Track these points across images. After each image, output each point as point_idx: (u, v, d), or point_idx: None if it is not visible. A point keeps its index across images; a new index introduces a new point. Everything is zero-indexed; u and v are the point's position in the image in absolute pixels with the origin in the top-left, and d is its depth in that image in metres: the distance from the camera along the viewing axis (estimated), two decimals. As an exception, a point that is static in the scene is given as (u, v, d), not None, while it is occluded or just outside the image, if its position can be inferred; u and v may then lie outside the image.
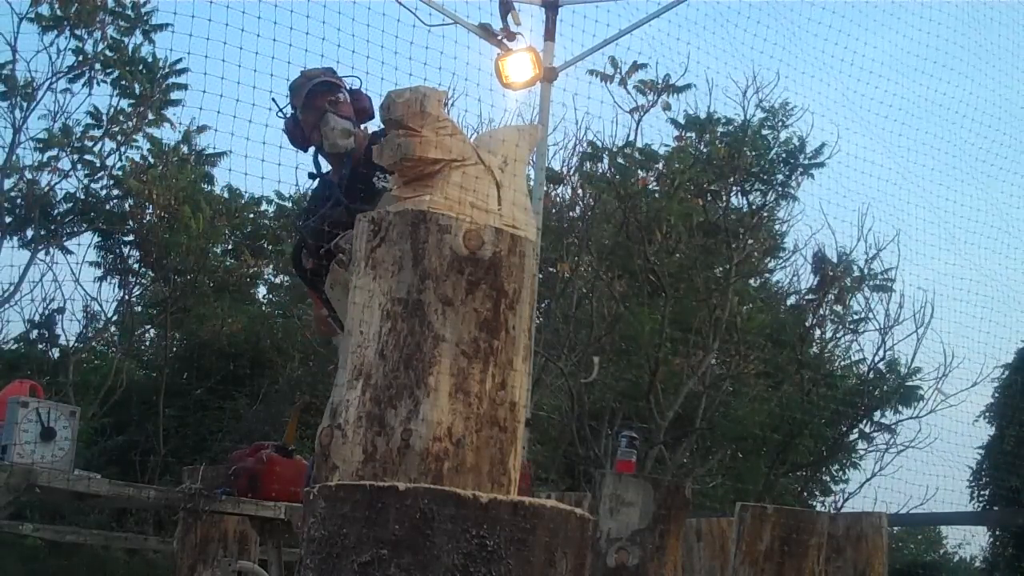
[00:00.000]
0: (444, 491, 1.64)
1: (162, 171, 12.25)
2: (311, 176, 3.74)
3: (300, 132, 3.62)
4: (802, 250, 12.98)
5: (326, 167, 3.72)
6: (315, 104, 3.55)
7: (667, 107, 12.10)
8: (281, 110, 3.63)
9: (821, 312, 13.17)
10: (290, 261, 3.42)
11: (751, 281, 13.49)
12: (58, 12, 11.40)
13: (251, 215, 14.31)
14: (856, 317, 13.12)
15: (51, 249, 12.09)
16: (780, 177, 12.87)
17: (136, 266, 13.03)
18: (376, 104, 3.65)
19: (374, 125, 3.69)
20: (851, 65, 7.79)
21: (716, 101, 15.87)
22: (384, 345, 1.84)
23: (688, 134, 12.78)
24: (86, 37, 11.62)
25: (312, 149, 3.68)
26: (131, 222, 12.47)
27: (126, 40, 11.90)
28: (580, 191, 12.78)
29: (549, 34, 6.90)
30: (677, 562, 4.14)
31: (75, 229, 12.34)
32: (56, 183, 12.01)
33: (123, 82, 11.87)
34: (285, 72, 3.73)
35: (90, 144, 11.98)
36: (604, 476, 4.31)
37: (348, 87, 3.64)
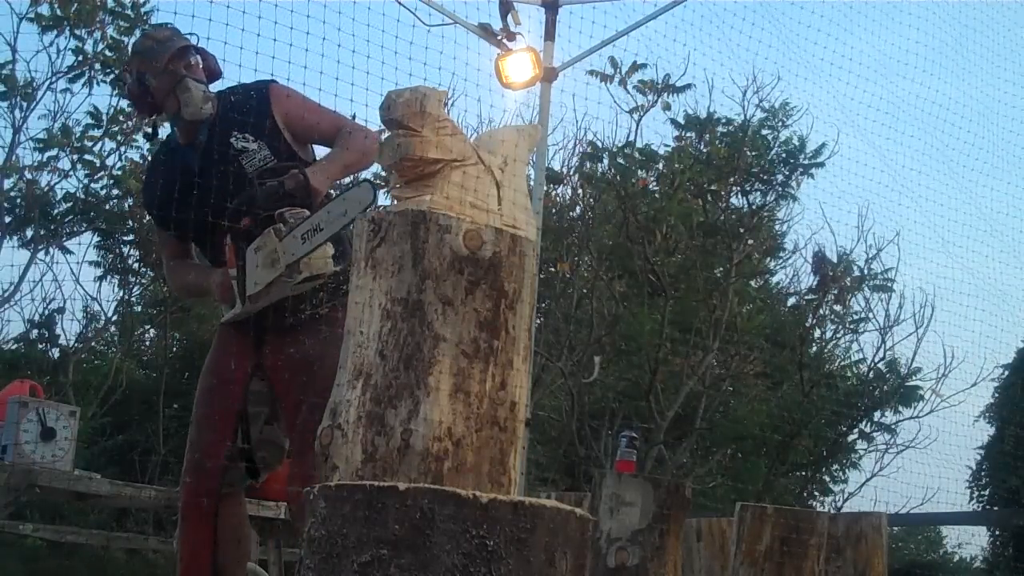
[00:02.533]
0: (444, 491, 1.64)
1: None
2: (147, 137, 3.68)
3: (149, 97, 3.50)
4: (802, 250, 13.02)
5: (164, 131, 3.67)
6: (170, 69, 3.43)
7: (667, 107, 12.11)
8: (119, 75, 3.57)
9: (821, 312, 13.17)
10: (227, 210, 3.29)
11: (751, 281, 13.49)
12: (58, 12, 11.39)
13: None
14: (856, 317, 13.14)
15: (51, 249, 12.10)
16: (780, 177, 12.88)
17: (136, 266, 13.03)
18: (219, 62, 3.56)
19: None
20: (839, 68, 7.83)
21: (716, 101, 15.85)
22: (384, 345, 1.84)
23: (688, 134, 12.78)
24: (86, 37, 11.61)
25: (156, 114, 3.58)
26: (131, 222, 12.47)
27: (126, 40, 11.90)
28: (580, 191, 12.79)
29: (549, 34, 6.89)
30: (677, 562, 4.14)
31: (75, 229, 12.34)
32: (56, 183, 12.02)
33: (122, 82, 11.87)
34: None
35: (90, 144, 11.98)
36: (604, 476, 4.31)
37: (195, 46, 3.53)
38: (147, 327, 13.88)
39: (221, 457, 3.34)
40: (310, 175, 3.26)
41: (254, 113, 3.41)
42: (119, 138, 12.04)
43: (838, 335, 13.73)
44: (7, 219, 11.70)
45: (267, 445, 3.46)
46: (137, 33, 11.92)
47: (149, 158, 3.72)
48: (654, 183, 12.74)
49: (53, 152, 11.81)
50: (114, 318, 13.12)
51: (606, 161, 12.38)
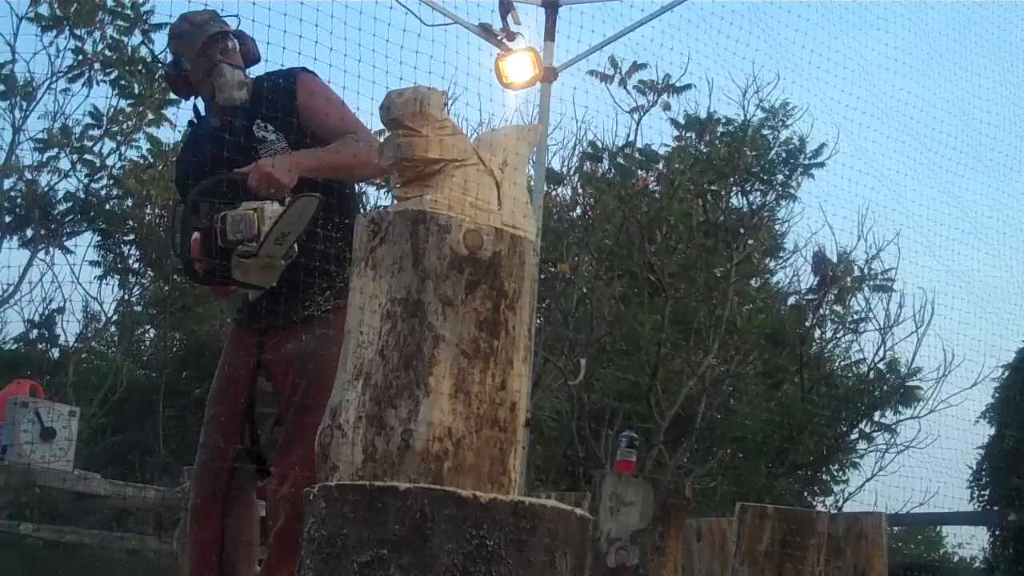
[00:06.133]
0: (444, 491, 1.64)
1: (162, 171, 12.25)
2: (191, 124, 3.64)
3: (185, 81, 3.47)
4: (802, 250, 13.02)
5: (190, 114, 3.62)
6: (206, 54, 3.38)
7: (667, 107, 12.12)
8: (155, 57, 3.53)
9: (821, 312, 13.18)
10: (184, 272, 3.20)
11: (751, 281, 13.50)
12: (57, 12, 11.39)
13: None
14: (856, 317, 13.14)
15: (51, 249, 12.11)
16: (780, 177, 12.88)
17: (136, 266, 13.05)
18: (259, 46, 3.52)
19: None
20: (826, 72, 7.85)
21: (716, 101, 15.85)
22: (384, 345, 1.84)
23: (688, 134, 12.78)
24: (85, 37, 11.62)
25: (194, 97, 3.53)
26: (131, 222, 12.48)
27: (125, 40, 11.91)
28: (580, 191, 12.79)
29: (549, 34, 6.89)
30: (677, 562, 4.15)
31: (75, 229, 12.35)
32: (56, 183, 12.03)
33: (122, 82, 11.86)
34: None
35: (90, 144, 11.99)
36: (604, 476, 4.31)
37: (232, 31, 3.47)
38: (147, 327, 13.90)
39: (229, 459, 3.33)
40: (276, 166, 3.18)
41: (279, 103, 3.35)
42: (119, 138, 12.05)
43: (838, 335, 13.75)
44: (7, 219, 11.70)
45: (276, 446, 3.45)
46: (137, 33, 11.95)
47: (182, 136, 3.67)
48: (654, 183, 12.74)
49: (53, 152, 11.82)
50: (114, 318, 13.13)
51: (606, 161, 12.39)
